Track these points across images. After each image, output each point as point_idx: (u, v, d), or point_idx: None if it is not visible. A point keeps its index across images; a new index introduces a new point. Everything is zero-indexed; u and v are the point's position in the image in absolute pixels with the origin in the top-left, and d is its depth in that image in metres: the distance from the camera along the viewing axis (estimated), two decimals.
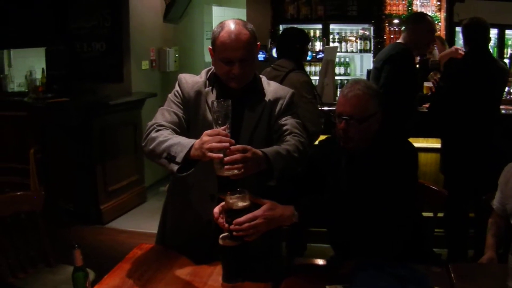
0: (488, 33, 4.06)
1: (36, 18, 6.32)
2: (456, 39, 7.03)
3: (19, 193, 3.02)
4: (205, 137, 1.96)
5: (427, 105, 4.79)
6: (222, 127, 1.97)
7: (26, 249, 2.94)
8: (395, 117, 2.95)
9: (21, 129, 5.96)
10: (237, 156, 1.89)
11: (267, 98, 2.36)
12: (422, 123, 4.46)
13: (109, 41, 6.28)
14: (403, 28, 4.56)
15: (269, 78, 3.89)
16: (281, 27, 7.54)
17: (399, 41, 4.39)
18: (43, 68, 6.37)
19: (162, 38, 7.28)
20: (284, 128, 2.29)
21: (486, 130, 3.94)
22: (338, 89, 5.96)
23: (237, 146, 1.92)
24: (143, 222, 5.58)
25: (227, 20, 2.26)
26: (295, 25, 7.47)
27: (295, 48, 4.21)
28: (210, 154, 1.91)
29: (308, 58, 7.24)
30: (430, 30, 4.29)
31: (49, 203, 4.43)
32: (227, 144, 1.91)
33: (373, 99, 2.43)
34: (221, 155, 1.90)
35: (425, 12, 7.03)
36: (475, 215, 4.15)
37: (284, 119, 2.33)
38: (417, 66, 4.77)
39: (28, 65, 6.80)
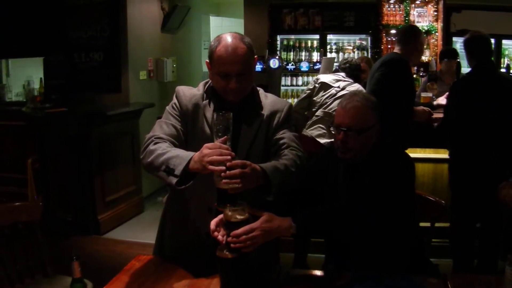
0: (491, 45, 4.07)
1: (34, 28, 6.35)
2: None
3: (17, 203, 3.00)
4: (205, 150, 1.96)
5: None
6: (222, 139, 1.98)
7: (23, 259, 2.92)
8: (390, 126, 2.95)
9: (19, 139, 5.97)
10: (236, 171, 1.89)
11: (264, 111, 2.36)
12: (419, 133, 4.47)
13: (107, 51, 6.31)
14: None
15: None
16: (278, 38, 7.57)
17: (394, 51, 4.43)
18: (41, 78, 6.38)
19: (160, 48, 7.30)
20: (282, 141, 2.29)
21: (498, 142, 3.92)
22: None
23: (237, 161, 1.92)
24: (140, 233, 5.57)
25: (224, 33, 2.26)
26: (293, 36, 7.58)
27: None
28: (211, 167, 1.91)
29: (306, 68, 7.32)
30: (422, 44, 4.41)
31: (47, 213, 4.43)
32: (228, 157, 1.91)
33: (372, 111, 2.45)
34: (223, 167, 1.90)
35: (422, 22, 7.10)
36: (481, 225, 4.14)
37: (281, 132, 2.33)
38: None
39: (26, 75, 6.81)
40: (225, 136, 1.98)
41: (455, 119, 4.01)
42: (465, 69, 6.78)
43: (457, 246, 4.18)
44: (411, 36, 4.34)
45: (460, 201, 4.07)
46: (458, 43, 7.20)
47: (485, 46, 4.03)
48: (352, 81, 5.03)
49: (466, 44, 4.08)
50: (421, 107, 4.57)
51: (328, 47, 7.51)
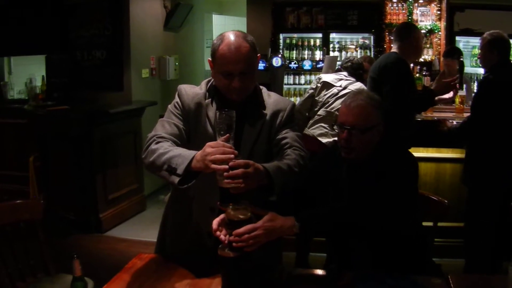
0: (510, 45, 4.08)
1: (36, 26, 6.34)
2: None
3: (18, 201, 2.98)
4: (208, 148, 1.93)
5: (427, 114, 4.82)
6: (224, 137, 1.96)
7: (25, 258, 2.92)
8: (393, 126, 2.95)
9: (20, 137, 5.96)
10: (238, 171, 1.87)
11: (267, 110, 2.34)
12: (421, 132, 4.46)
13: (109, 49, 6.31)
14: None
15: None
16: (281, 36, 7.56)
17: (393, 50, 4.42)
18: (43, 76, 6.37)
19: (163, 47, 7.30)
20: (284, 141, 2.27)
21: None
22: None
23: (239, 161, 1.90)
24: (142, 231, 5.57)
25: (227, 32, 2.23)
26: (295, 34, 7.57)
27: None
28: (213, 165, 1.89)
29: (308, 67, 7.30)
30: (418, 39, 4.37)
31: (48, 211, 4.42)
32: (232, 155, 1.90)
33: (376, 110, 2.44)
34: (226, 166, 1.88)
35: (425, 21, 7.08)
36: (496, 224, 4.13)
37: (284, 132, 2.31)
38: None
39: (28, 73, 6.81)
40: (227, 134, 1.97)
41: (482, 117, 4.00)
42: (468, 68, 6.81)
43: (471, 245, 4.16)
44: (405, 33, 4.33)
45: (478, 199, 4.07)
46: (462, 42, 7.20)
47: (508, 46, 4.06)
48: (354, 80, 5.01)
49: (490, 43, 4.07)
50: (440, 82, 4.49)
51: (331, 45, 7.50)
